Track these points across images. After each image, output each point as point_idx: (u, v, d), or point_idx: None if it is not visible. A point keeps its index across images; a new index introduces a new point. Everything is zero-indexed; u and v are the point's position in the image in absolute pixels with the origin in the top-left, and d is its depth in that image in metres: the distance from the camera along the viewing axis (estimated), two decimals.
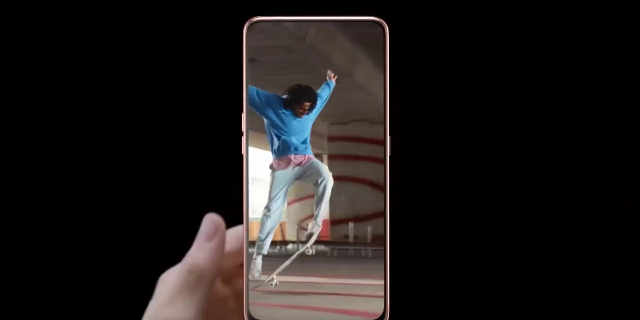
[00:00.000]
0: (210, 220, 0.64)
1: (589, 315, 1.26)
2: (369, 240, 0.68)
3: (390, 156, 0.65)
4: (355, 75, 0.67)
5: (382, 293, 0.63)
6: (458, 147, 1.27)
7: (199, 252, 0.62)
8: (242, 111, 0.65)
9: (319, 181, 0.67)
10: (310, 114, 0.67)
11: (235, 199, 0.67)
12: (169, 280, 0.64)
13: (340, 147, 0.68)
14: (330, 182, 0.67)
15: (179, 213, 1.27)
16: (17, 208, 1.28)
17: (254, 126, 0.65)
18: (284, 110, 0.67)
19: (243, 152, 0.65)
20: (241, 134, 0.65)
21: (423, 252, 1.26)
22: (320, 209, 0.67)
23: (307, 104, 0.67)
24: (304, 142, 0.67)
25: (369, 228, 0.67)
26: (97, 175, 1.28)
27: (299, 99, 0.67)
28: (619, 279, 1.25)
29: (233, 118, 0.69)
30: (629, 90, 1.25)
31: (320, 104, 0.67)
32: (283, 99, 0.66)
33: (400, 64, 0.78)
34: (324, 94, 0.67)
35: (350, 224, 0.69)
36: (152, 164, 1.28)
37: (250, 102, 0.65)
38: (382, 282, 0.63)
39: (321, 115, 0.66)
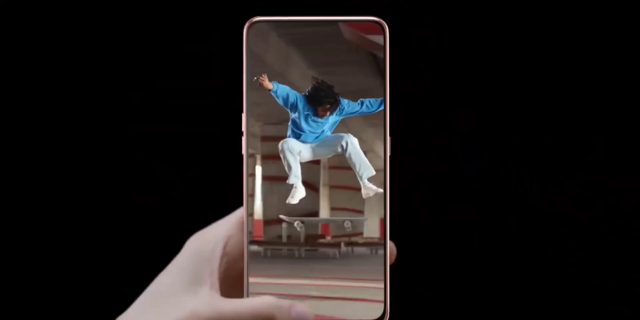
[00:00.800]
0: (311, 317, 0.62)
1: (589, 315, 1.26)
2: (302, 240, 0.68)
3: (390, 156, 0.65)
4: (289, 76, 0.67)
5: (381, 294, 0.63)
6: (458, 147, 1.27)
7: (282, 313, 0.61)
8: (242, 111, 0.65)
9: (343, 144, 0.67)
10: (331, 116, 0.67)
11: (235, 199, 0.68)
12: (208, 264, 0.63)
13: (274, 147, 0.68)
14: (354, 139, 0.67)
15: (179, 213, 1.27)
16: (17, 208, 1.28)
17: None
18: (306, 111, 0.67)
19: (243, 152, 0.65)
20: (241, 134, 0.65)
21: (423, 252, 1.26)
22: (363, 168, 0.67)
23: (328, 105, 0.67)
24: (317, 138, 0.68)
25: (303, 228, 0.67)
26: (98, 175, 1.28)
27: (320, 100, 0.67)
28: (619, 279, 1.25)
29: (233, 118, 0.69)
30: (629, 90, 1.25)
31: (340, 112, 0.67)
32: (307, 98, 0.67)
33: (400, 64, 0.78)
34: (350, 107, 0.67)
35: (284, 224, 0.69)
36: (152, 164, 1.28)
37: (283, 99, 0.66)
38: (382, 284, 0.63)
39: (254, 116, 0.66)
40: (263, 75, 0.65)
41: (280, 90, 0.66)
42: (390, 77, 0.64)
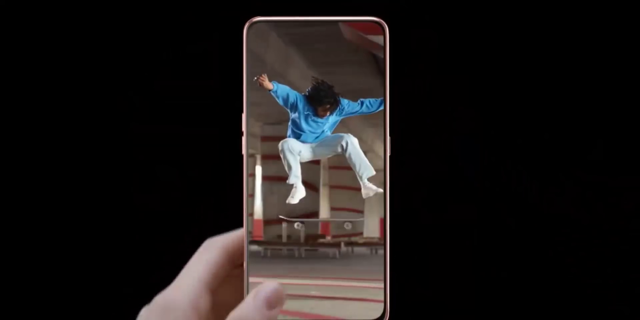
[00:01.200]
0: (276, 289, 0.58)
1: (589, 315, 1.26)
2: (302, 240, 0.68)
3: (390, 156, 0.65)
4: (289, 76, 0.67)
5: (380, 294, 0.63)
6: (458, 147, 1.27)
7: (254, 314, 0.58)
8: (242, 111, 0.65)
9: (343, 144, 0.67)
10: (331, 116, 0.67)
11: (235, 199, 0.68)
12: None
13: (274, 147, 0.68)
14: (354, 139, 0.67)
15: (179, 213, 1.27)
16: (18, 208, 1.28)
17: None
18: (306, 111, 0.67)
19: (243, 152, 0.65)
20: (241, 134, 0.65)
21: (423, 252, 1.26)
22: (363, 168, 0.67)
23: (328, 105, 0.67)
24: (317, 138, 0.68)
25: (303, 227, 0.67)
26: (98, 175, 1.28)
27: (320, 100, 0.67)
28: (619, 279, 1.25)
29: (233, 118, 0.69)
30: (629, 90, 1.25)
31: (339, 112, 0.67)
32: (307, 98, 0.67)
33: (400, 64, 0.78)
34: (350, 107, 0.67)
35: (284, 224, 0.69)
36: (152, 164, 1.28)
37: (283, 99, 0.66)
38: (382, 284, 0.63)
39: (254, 116, 0.66)
40: (263, 75, 0.65)
41: (280, 90, 0.66)
42: (390, 77, 0.64)
